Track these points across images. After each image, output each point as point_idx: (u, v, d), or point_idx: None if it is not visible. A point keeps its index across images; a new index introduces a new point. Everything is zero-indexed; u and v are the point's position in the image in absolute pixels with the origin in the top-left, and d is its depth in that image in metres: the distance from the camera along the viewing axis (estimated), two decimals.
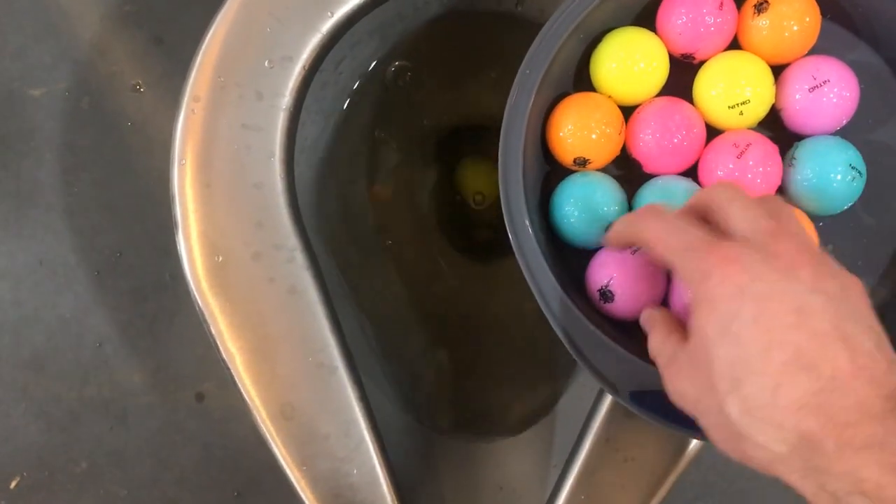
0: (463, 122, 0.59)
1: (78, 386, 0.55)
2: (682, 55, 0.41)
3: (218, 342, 0.42)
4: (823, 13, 0.40)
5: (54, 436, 0.54)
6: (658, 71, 0.40)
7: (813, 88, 0.39)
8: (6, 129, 0.56)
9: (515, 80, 0.39)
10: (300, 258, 0.43)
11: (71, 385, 0.55)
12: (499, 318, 0.59)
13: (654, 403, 0.38)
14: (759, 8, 0.40)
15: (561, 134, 0.40)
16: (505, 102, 0.40)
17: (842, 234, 0.42)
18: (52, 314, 0.55)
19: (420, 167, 0.61)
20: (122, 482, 0.54)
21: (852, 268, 0.39)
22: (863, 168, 0.39)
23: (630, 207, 0.41)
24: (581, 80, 0.42)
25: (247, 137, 0.43)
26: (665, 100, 0.41)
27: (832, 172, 0.39)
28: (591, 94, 0.41)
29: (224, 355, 0.42)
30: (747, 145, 0.39)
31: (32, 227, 0.55)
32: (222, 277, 0.43)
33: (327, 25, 0.43)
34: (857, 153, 0.39)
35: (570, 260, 0.42)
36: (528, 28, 0.41)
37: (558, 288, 0.39)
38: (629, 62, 0.40)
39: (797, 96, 0.40)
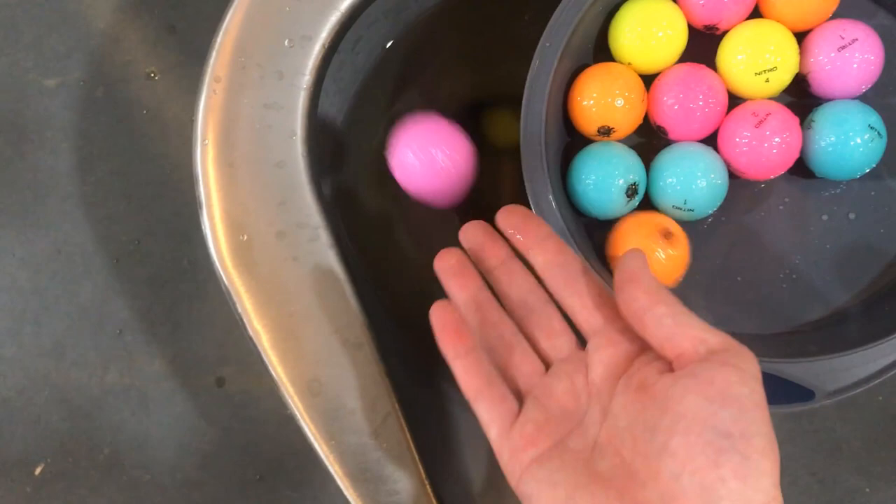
0: (481, 98, 0.59)
1: (99, 373, 0.55)
2: (706, 27, 0.41)
3: (244, 320, 0.42)
4: None
5: (77, 423, 0.55)
6: (677, 38, 0.41)
7: (841, 48, 0.39)
8: (22, 119, 0.56)
9: (535, 53, 0.40)
10: (324, 236, 0.43)
11: (92, 372, 0.55)
12: None
13: None
14: None
15: (585, 104, 0.40)
16: (524, 78, 0.40)
17: (864, 201, 0.42)
18: (71, 302, 0.55)
19: None
20: (144, 467, 0.54)
21: (874, 235, 0.39)
22: (882, 129, 0.39)
23: (647, 176, 0.42)
24: (601, 51, 0.43)
25: (268, 117, 0.43)
26: (688, 65, 0.41)
27: (850, 133, 0.39)
28: (613, 64, 0.41)
29: (251, 333, 0.42)
30: (767, 115, 0.39)
31: (50, 217, 0.55)
32: (247, 256, 0.43)
33: (346, 3, 0.43)
34: (877, 115, 0.39)
35: (593, 232, 0.42)
36: (546, 3, 0.41)
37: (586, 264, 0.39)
38: (648, 30, 0.40)
39: (826, 57, 0.40)
